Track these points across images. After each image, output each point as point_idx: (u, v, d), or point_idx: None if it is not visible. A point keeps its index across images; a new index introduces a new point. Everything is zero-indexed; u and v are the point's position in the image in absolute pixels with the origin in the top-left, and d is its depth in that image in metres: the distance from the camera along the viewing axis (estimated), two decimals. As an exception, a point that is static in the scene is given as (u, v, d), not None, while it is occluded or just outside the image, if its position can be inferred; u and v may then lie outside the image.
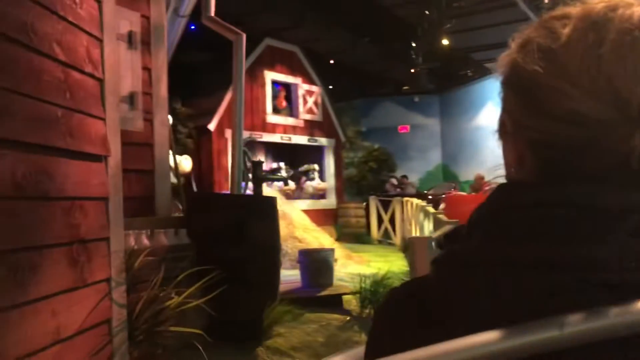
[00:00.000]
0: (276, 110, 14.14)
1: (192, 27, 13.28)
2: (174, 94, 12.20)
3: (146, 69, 4.29)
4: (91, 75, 2.70)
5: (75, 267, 2.46)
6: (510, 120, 0.67)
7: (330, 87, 19.15)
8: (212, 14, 4.39)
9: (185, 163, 7.36)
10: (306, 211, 14.17)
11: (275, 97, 14.17)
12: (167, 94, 4.44)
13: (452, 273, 0.65)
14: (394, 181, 16.80)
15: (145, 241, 3.62)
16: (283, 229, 9.13)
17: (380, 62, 16.74)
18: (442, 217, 5.76)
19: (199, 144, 12.57)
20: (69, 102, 2.47)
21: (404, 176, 17.81)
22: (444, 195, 12.10)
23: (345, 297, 5.69)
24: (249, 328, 3.92)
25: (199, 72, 13.78)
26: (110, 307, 2.78)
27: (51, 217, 2.30)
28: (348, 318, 5.14)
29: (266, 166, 14.73)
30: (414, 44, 13.98)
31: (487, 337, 0.52)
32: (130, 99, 4.14)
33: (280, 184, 13.57)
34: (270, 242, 4.15)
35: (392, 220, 13.78)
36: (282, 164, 14.24)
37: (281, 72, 14.11)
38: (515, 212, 0.61)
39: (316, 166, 14.85)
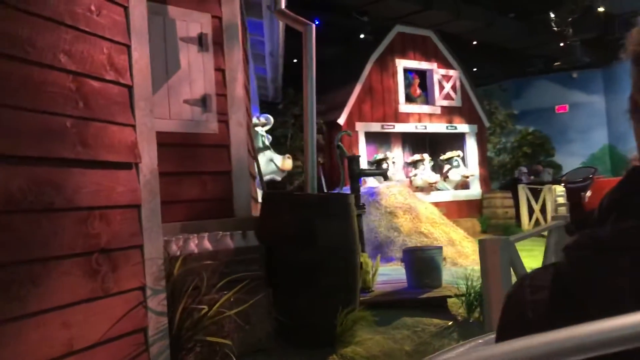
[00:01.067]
0: (410, 98, 13.67)
1: (316, 21, 13.36)
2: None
3: (219, 70, 4.26)
4: (115, 82, 2.68)
5: (95, 277, 2.44)
6: None
7: (474, 69, 18.15)
8: (283, 6, 4.22)
9: (287, 162, 7.33)
10: (448, 203, 13.56)
11: (408, 85, 13.71)
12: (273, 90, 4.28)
13: (589, 257, 0.67)
14: (524, 169, 15.61)
15: (207, 245, 3.57)
16: (407, 223, 8.78)
17: (526, 38, 15.34)
18: (562, 209, 5.02)
19: (329, 138, 12.59)
20: (82, 112, 2.46)
21: (539, 162, 16.61)
22: (581, 181, 10.62)
23: (451, 300, 5.22)
24: (320, 334, 3.71)
25: (327, 67, 13.81)
26: (146, 315, 2.74)
27: (59, 229, 2.29)
28: (450, 323, 4.69)
29: (405, 157, 14.34)
30: (552, 15, 12.55)
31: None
32: (203, 101, 4.13)
33: (427, 176, 13.08)
34: (343, 244, 3.88)
35: (543, 210, 12.58)
36: (425, 155, 13.75)
37: (414, 58, 13.60)
38: None
39: (459, 152, 14.09)
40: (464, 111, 14.44)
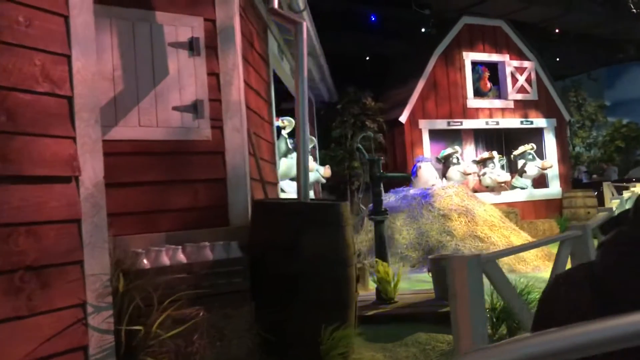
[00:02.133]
0: (480, 93, 12.96)
1: (373, 18, 12.99)
2: (364, 88, 12.08)
3: (213, 74, 4.13)
4: (50, 94, 2.61)
5: (18, 296, 2.38)
6: None
7: (557, 59, 16.98)
8: (276, 5, 4.00)
9: (328, 170, 7.12)
10: (523, 203, 12.75)
11: (478, 79, 13.00)
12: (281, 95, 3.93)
13: (626, 253, 0.70)
14: (583, 168, 14.49)
15: (181, 257, 3.45)
16: (462, 227, 8.29)
17: (613, 23, 14.07)
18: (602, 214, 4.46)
19: (392, 137, 12.20)
20: (4, 126, 2.40)
21: (603, 161, 15.55)
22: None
23: (478, 314, 4.77)
24: (305, 352, 3.48)
25: (388, 63, 13.40)
26: (86, 334, 2.65)
27: (-30, 247, 2.24)
28: (468, 342, 4.27)
29: (475, 155, 13.61)
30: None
31: None
32: (194, 107, 4.02)
33: (496, 175, 12.34)
34: (333, 255, 3.61)
35: (631, 210, 11.42)
36: (494, 152, 12.99)
37: (483, 51, 12.88)
38: None
39: (532, 145, 13.08)
40: (541, 104, 13.49)
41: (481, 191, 12.35)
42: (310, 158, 7.14)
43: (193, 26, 4.08)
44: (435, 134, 12.43)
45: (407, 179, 5.87)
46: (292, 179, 7.52)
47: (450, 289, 2.61)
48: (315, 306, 3.55)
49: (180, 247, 3.47)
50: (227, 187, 4.11)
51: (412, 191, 9.02)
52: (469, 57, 12.65)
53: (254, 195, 4.47)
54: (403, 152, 11.74)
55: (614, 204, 5.55)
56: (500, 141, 14.15)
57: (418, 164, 10.70)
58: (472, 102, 12.65)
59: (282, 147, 6.62)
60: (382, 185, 5.20)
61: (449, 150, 12.30)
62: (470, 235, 8.17)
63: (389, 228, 8.46)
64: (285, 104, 9.79)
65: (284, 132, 6.79)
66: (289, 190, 7.69)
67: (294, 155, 6.69)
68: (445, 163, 12.25)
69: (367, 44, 12.78)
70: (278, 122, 6.58)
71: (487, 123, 12.88)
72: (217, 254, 3.58)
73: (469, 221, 8.37)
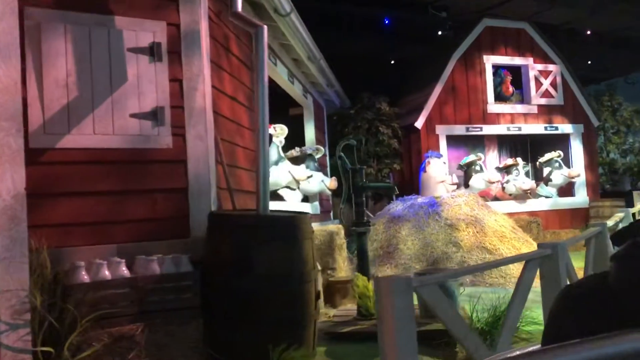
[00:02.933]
0: (501, 97, 12.52)
1: (386, 21, 12.70)
2: (380, 94, 11.81)
3: (176, 80, 4.00)
4: (-38, 103, 2.52)
5: None
6: None
7: (589, 62, 16.36)
8: (239, 9, 3.84)
9: (334, 182, 6.96)
10: (546, 212, 12.25)
11: (500, 83, 12.57)
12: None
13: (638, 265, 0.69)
14: None
15: (124, 271, 3.31)
16: (469, 237, 7.95)
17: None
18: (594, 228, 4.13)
19: (408, 143, 11.91)
20: None
21: (615, 170, 14.93)
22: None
23: (460, 334, 4.49)
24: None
25: (404, 68, 13.11)
26: (-2, 353, 2.54)
27: None
28: (441, 364, 4.02)
29: (499, 162, 13.15)
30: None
31: None
32: (154, 115, 3.89)
33: (520, 182, 11.87)
34: (287, 271, 3.41)
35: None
36: (519, 159, 12.51)
37: (505, 54, 12.44)
38: None
39: (559, 152, 12.50)
40: (567, 109, 12.94)
41: (504, 199, 11.93)
42: (301, 165, 6.94)
43: (155, 31, 3.96)
44: (453, 140, 12.08)
45: (392, 190, 5.57)
46: (291, 188, 7.35)
47: (378, 312, 2.39)
48: (266, 324, 3.37)
49: (123, 260, 3.34)
50: (188, 197, 3.97)
51: (419, 199, 8.73)
52: (490, 60, 12.25)
53: (222, 206, 4.32)
54: (419, 159, 11.42)
55: (617, 218, 5.16)
56: (525, 147, 13.66)
57: (427, 159, 10.40)
58: (493, 107, 12.23)
59: (274, 154, 6.40)
60: (364, 195, 4.97)
61: (471, 157, 11.89)
62: (478, 246, 7.83)
63: (394, 237, 8.20)
64: (293, 110, 9.67)
65: (276, 140, 6.57)
66: (288, 199, 7.52)
67: (286, 163, 6.52)
68: (467, 171, 11.86)
69: (383, 49, 12.53)
70: (270, 130, 6.41)
71: (508, 129, 12.43)
72: (166, 267, 3.44)
73: (477, 232, 8.03)
